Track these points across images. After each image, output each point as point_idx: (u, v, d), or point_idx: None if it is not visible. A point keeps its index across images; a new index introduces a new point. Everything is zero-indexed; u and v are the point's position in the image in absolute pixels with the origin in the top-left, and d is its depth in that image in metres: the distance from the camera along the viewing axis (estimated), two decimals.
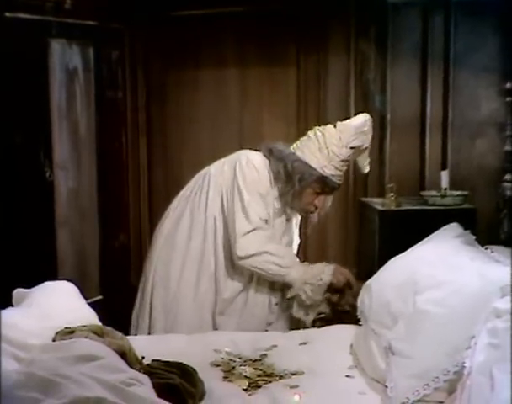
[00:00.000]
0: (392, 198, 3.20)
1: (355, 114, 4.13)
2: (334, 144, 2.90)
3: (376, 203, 3.55)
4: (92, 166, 4.33)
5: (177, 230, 3.05)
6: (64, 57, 4.04)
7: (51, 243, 3.96)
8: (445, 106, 4.04)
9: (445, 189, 3.35)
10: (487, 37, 3.95)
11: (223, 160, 3.09)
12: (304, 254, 3.64)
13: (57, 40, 3.98)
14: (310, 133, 2.99)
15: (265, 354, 2.58)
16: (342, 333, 2.74)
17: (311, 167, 2.91)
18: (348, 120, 2.99)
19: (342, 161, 2.93)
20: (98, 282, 4.39)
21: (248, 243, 2.89)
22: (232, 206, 2.93)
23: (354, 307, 2.74)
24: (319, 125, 3.03)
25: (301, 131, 3.35)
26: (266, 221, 2.95)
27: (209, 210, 3.00)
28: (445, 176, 3.33)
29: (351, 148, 2.92)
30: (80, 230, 4.27)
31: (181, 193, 3.16)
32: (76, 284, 2.68)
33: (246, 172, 2.93)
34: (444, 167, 3.92)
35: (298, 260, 3.04)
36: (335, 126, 2.95)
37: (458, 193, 3.41)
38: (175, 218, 3.09)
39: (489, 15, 3.92)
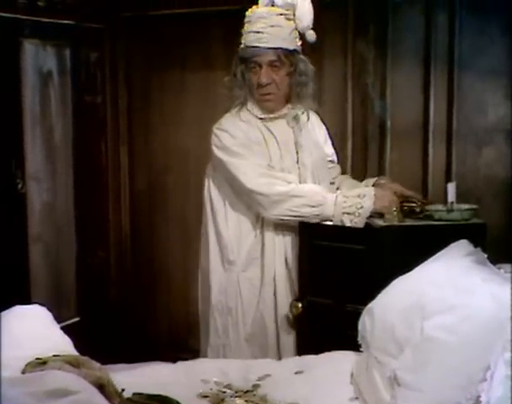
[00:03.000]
0: (395, 212, 3.13)
1: (353, 121, 4.15)
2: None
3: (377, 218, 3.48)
4: (68, 176, 4.31)
5: None
6: (38, 59, 4.03)
7: (23, 261, 3.93)
8: (449, 112, 3.99)
9: (452, 203, 3.28)
10: (494, 37, 3.90)
11: None
12: None
13: (30, 41, 3.96)
14: None
15: (258, 384, 2.54)
16: (341, 361, 2.69)
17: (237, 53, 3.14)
18: None
19: (251, 22, 3.12)
20: (75, 303, 4.36)
21: (268, 195, 2.96)
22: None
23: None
24: None
25: None
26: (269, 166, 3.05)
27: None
28: (451, 188, 3.25)
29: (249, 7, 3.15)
30: (55, 246, 4.24)
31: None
32: (51, 306, 2.65)
33: (217, 142, 3.11)
34: (448, 178, 3.86)
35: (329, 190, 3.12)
36: None
37: (466, 207, 3.33)
38: None
39: (497, 14, 3.87)
